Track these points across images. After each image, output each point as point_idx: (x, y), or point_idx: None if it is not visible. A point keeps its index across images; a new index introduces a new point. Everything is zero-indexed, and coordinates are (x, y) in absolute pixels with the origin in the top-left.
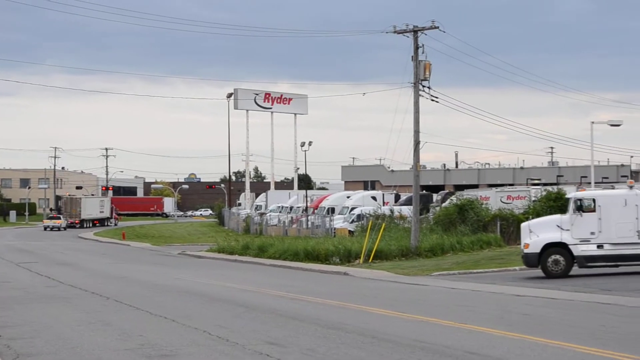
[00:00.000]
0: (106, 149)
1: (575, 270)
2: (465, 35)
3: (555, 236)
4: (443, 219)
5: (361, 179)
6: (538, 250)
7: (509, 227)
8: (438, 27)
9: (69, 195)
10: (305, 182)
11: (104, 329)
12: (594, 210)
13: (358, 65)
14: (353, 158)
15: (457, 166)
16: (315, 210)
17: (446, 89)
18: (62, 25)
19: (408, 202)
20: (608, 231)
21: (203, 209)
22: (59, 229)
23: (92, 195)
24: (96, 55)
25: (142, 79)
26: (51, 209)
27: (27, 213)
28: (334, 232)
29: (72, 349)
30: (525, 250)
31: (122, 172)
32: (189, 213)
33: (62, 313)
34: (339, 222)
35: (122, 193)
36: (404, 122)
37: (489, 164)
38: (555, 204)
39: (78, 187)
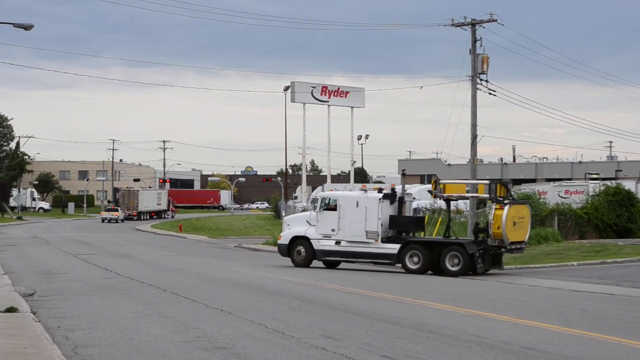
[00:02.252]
0: (163, 142)
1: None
2: (522, 28)
3: (301, 230)
4: None
5: (418, 173)
6: (287, 242)
7: (566, 222)
8: (496, 20)
9: (127, 187)
10: (361, 176)
11: (161, 321)
12: (335, 209)
13: (414, 59)
14: (410, 152)
15: (514, 160)
16: None
17: (503, 82)
18: (117, 17)
19: None
20: (344, 229)
21: (259, 202)
22: (116, 221)
23: (150, 187)
24: (151, 48)
25: (196, 71)
26: (109, 201)
27: (85, 205)
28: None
29: (130, 341)
30: (279, 242)
31: (179, 164)
32: (246, 206)
33: (119, 305)
34: None
35: (179, 185)
36: (461, 115)
37: (546, 158)
38: (614, 198)
39: (135, 180)
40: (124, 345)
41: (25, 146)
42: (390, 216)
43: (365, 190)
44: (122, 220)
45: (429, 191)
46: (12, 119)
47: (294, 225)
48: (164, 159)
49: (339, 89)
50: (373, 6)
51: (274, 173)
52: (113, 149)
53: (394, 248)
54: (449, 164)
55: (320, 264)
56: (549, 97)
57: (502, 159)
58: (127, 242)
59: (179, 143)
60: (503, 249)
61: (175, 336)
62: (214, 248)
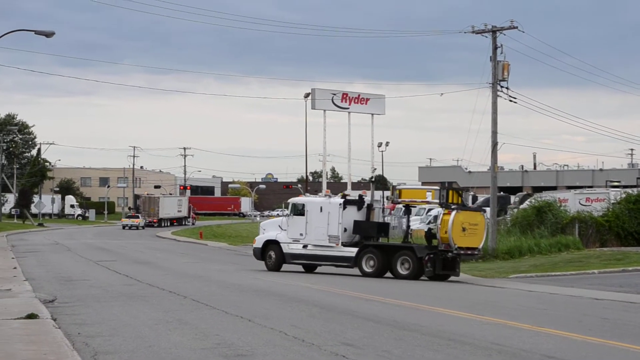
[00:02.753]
0: (184, 149)
1: None
2: (542, 35)
3: (273, 234)
4: (521, 221)
5: (438, 180)
6: (260, 245)
7: (587, 229)
8: (517, 27)
9: (148, 194)
10: (381, 183)
11: (181, 328)
12: (303, 215)
13: (434, 66)
14: (430, 159)
15: (535, 167)
16: (392, 211)
17: (523, 89)
18: (138, 25)
19: (485, 203)
20: (311, 234)
21: (280, 209)
22: (137, 227)
23: (170, 194)
24: (171, 54)
25: (216, 78)
26: (130, 208)
27: (106, 212)
28: (411, 233)
29: (150, 348)
30: (254, 245)
31: (199, 171)
32: (266, 213)
33: (140, 312)
34: (415, 223)
35: (199, 192)
36: (482, 122)
37: (567, 165)
38: (635, 206)
39: (156, 187)
40: (143, 352)
41: (46, 153)
42: (355, 221)
43: (330, 196)
44: (143, 227)
45: (387, 197)
46: (33, 125)
47: (268, 230)
48: (185, 165)
49: (359, 95)
50: (392, 13)
51: (295, 180)
52: (134, 156)
53: (352, 252)
54: (470, 171)
55: (299, 268)
56: (570, 105)
57: (522, 166)
58: (148, 249)
59: (199, 150)
60: (449, 254)
61: (195, 343)
62: (235, 255)
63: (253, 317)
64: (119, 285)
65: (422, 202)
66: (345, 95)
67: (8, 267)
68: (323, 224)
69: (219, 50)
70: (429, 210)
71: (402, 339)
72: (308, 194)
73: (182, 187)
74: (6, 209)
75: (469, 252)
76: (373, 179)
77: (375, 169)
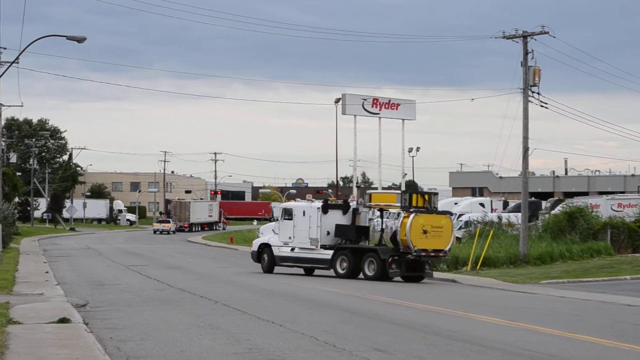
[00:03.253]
0: (215, 154)
1: None
2: (573, 40)
3: (266, 238)
4: (552, 227)
5: (469, 185)
6: (256, 249)
7: (619, 235)
8: (548, 32)
9: (178, 199)
10: (412, 188)
11: (212, 333)
12: (291, 219)
13: (464, 71)
14: (461, 164)
15: (566, 173)
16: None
17: (554, 94)
18: (166, 30)
19: (516, 209)
20: (298, 237)
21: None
22: (168, 232)
23: (201, 199)
24: (199, 59)
25: (245, 83)
26: (161, 213)
27: (137, 216)
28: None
29: (181, 352)
30: (251, 249)
31: (230, 176)
32: None
33: (171, 316)
34: None
35: (230, 197)
36: (513, 128)
37: (599, 171)
38: None
39: (187, 191)
40: (175, 357)
41: (78, 157)
42: (337, 225)
43: (312, 201)
44: (174, 232)
45: (358, 201)
46: (65, 131)
47: (265, 234)
48: (215, 170)
49: (389, 101)
50: (421, 18)
51: (325, 185)
52: (165, 161)
53: (329, 254)
54: (501, 177)
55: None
56: (601, 110)
57: (554, 171)
58: (179, 254)
59: (229, 155)
60: (409, 256)
61: (226, 348)
62: None
63: (284, 322)
64: (150, 290)
65: (388, 205)
66: (375, 101)
67: (40, 272)
68: (306, 227)
69: (247, 55)
70: (460, 215)
71: (433, 344)
72: (298, 199)
73: (212, 192)
74: (38, 213)
75: (433, 254)
76: (359, 184)
77: (406, 174)
